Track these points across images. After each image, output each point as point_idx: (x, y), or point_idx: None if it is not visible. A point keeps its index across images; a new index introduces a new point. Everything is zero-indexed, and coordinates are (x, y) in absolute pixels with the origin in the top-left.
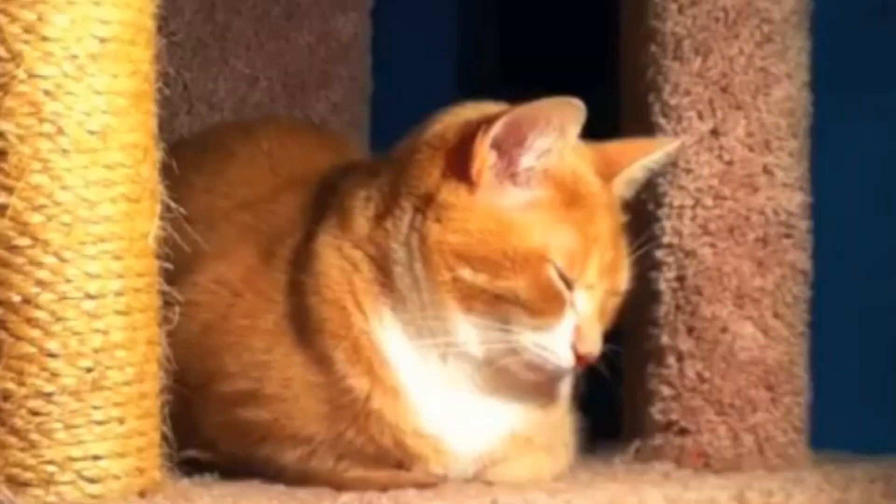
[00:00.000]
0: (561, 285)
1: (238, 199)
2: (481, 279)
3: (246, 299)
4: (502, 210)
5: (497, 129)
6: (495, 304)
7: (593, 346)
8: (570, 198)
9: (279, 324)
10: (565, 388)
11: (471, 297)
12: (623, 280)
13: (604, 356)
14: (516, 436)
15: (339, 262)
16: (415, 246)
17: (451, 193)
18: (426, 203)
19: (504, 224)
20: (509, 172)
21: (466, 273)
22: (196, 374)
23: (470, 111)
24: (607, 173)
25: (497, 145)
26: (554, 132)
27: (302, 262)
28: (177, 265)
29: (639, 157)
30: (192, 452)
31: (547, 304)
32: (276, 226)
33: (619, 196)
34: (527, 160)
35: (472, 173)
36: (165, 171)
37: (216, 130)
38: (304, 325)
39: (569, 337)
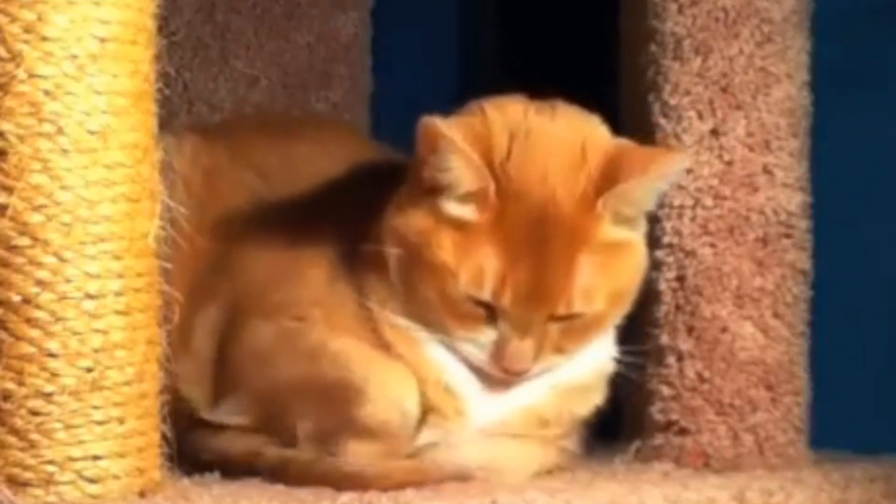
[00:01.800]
0: (469, 305)
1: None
2: (409, 278)
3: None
4: (433, 219)
5: (436, 142)
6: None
7: (515, 364)
8: (499, 220)
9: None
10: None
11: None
12: (571, 303)
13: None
14: (532, 411)
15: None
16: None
17: (410, 188)
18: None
19: (428, 234)
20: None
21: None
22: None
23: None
24: (599, 187)
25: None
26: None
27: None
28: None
29: (634, 175)
30: (235, 418)
31: (460, 318)
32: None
33: (614, 212)
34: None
35: (420, 176)
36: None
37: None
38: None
39: (489, 351)
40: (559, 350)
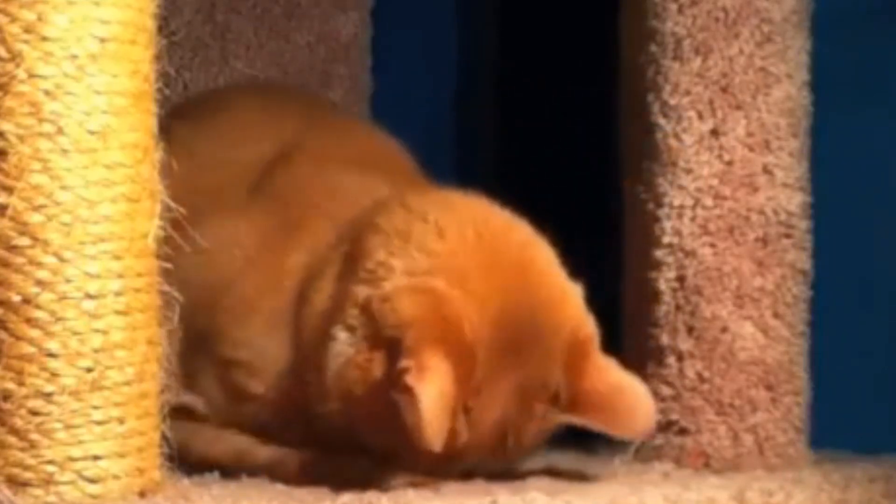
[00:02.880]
0: None
1: (244, 150)
2: None
3: (258, 271)
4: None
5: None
6: None
7: None
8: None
9: (281, 313)
10: None
11: None
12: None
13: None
14: None
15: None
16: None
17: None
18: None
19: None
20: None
21: None
22: (201, 323)
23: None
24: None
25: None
26: None
27: (317, 280)
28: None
29: (599, 422)
30: (188, 398)
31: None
32: (293, 201)
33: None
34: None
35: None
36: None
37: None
38: (304, 344)
39: None
40: None
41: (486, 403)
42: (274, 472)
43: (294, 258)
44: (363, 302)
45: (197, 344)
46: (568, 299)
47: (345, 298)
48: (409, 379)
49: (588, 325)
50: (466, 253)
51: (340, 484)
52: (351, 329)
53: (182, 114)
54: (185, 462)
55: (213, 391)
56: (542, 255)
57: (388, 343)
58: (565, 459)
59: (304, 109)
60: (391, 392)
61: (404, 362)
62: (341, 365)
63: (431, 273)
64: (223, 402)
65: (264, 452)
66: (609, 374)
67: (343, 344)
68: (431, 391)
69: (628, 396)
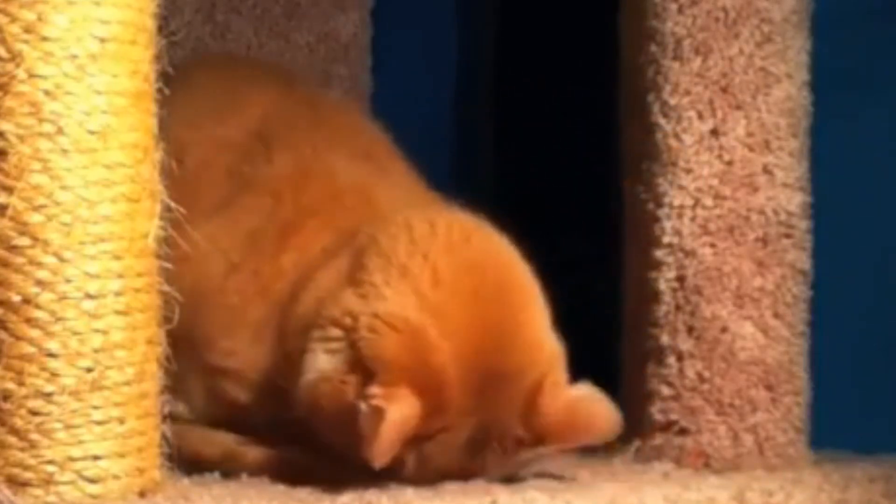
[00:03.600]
0: None
1: (215, 136)
2: None
3: (243, 276)
4: None
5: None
6: None
7: None
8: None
9: (268, 319)
10: None
11: None
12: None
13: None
14: None
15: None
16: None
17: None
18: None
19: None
20: None
21: None
22: (186, 331)
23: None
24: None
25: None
26: None
27: (308, 284)
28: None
29: (567, 440)
30: (179, 407)
31: None
32: (284, 199)
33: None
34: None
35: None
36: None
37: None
38: (287, 348)
39: None
40: None
41: (441, 446)
42: (262, 473)
43: (285, 261)
44: (349, 322)
45: (182, 350)
46: (544, 354)
47: (331, 305)
48: (378, 400)
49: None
50: (457, 303)
51: (332, 484)
52: (330, 347)
53: None
54: (177, 461)
55: (197, 398)
56: (531, 310)
57: (365, 370)
58: (565, 459)
59: (275, 85)
60: (356, 402)
61: (375, 389)
62: (316, 378)
63: (419, 311)
64: (208, 409)
65: (252, 454)
66: (561, 395)
67: (322, 360)
68: (396, 413)
69: (584, 408)
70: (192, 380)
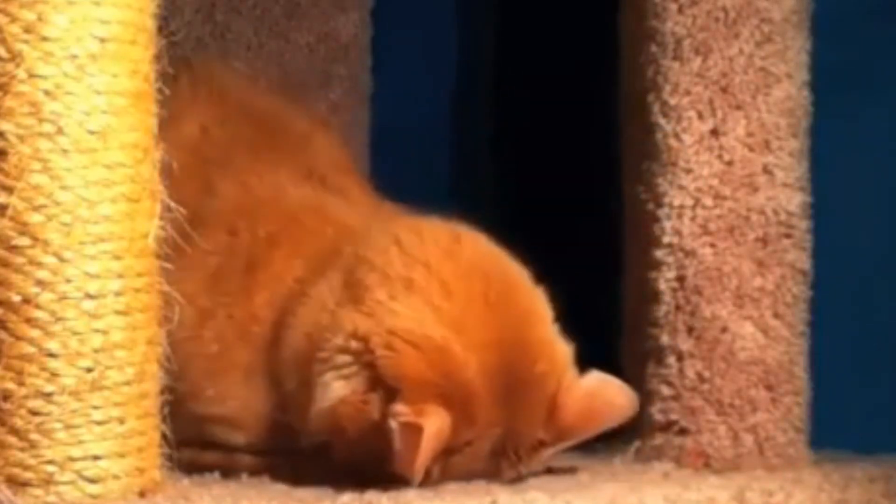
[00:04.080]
0: None
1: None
2: None
3: (216, 320)
4: None
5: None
6: None
7: None
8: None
9: (254, 362)
10: None
11: None
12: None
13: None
14: None
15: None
16: None
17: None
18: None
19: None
20: None
21: None
22: (173, 383)
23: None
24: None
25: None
26: None
27: (291, 319)
28: None
29: (591, 429)
30: (185, 455)
31: None
32: (241, 232)
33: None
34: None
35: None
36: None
37: None
38: (283, 385)
39: None
40: None
41: (466, 458)
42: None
43: (258, 301)
44: (357, 343)
45: (174, 403)
46: (557, 356)
47: (331, 333)
48: (411, 416)
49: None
50: (473, 313)
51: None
52: (343, 374)
53: None
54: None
55: (195, 443)
56: (539, 310)
57: (386, 388)
58: (565, 459)
59: (208, 94)
60: (384, 421)
61: (401, 407)
62: (332, 405)
63: (439, 326)
64: (206, 449)
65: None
66: (575, 388)
67: (335, 388)
68: (433, 428)
69: (599, 395)
70: (186, 428)
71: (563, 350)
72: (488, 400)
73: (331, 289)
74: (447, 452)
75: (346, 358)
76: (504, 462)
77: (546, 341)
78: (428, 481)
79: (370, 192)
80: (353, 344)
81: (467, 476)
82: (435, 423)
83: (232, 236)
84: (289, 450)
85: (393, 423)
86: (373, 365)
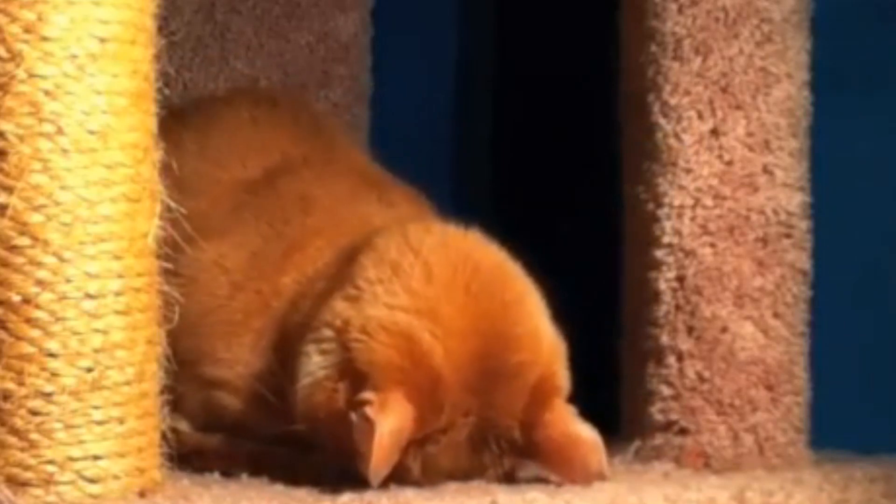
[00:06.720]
0: None
1: (231, 170)
2: None
3: (245, 294)
4: None
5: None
6: None
7: None
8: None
9: (266, 332)
10: None
11: None
12: None
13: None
14: None
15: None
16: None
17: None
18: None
19: None
20: None
21: None
22: (186, 350)
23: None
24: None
25: None
26: None
27: (304, 299)
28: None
29: (552, 468)
30: (182, 425)
31: None
32: (281, 218)
33: None
34: None
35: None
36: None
37: (193, 101)
38: (283, 360)
39: None
40: None
41: (444, 447)
42: (259, 465)
43: (287, 279)
44: (341, 324)
45: (181, 368)
46: (543, 349)
47: (324, 310)
48: (370, 410)
49: (558, 378)
50: (449, 298)
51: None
52: (323, 349)
53: (169, 127)
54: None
55: (196, 413)
56: (527, 304)
57: (356, 374)
58: None
59: (296, 127)
60: (349, 414)
61: (368, 395)
62: (309, 385)
63: (411, 312)
64: (206, 422)
65: (248, 446)
66: (565, 423)
67: (314, 363)
68: (388, 425)
69: (582, 448)
70: (191, 395)
71: (551, 345)
72: (456, 387)
73: (339, 271)
74: (420, 443)
75: (329, 333)
76: (486, 456)
77: (531, 334)
78: (409, 478)
79: (423, 209)
80: (338, 322)
81: (453, 472)
82: (390, 421)
83: (285, 225)
84: (285, 440)
85: (353, 417)
86: (347, 347)
